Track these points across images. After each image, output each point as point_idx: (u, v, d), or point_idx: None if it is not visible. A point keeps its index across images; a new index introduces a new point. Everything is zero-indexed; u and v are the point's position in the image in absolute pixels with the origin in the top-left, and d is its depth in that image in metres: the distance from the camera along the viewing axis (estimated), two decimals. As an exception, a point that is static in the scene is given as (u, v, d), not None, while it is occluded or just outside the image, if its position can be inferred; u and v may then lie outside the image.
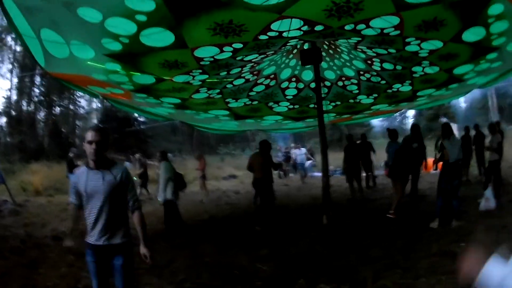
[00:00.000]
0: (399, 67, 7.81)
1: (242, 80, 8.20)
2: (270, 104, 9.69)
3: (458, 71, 7.62)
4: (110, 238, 3.34)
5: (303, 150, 20.23)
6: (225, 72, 7.38)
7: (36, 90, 35.71)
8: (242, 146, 37.96)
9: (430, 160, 13.50)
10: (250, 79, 8.30)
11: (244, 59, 6.90)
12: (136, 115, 37.36)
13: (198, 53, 6.10)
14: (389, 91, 9.07)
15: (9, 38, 34.45)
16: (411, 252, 5.77)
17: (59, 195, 15.06)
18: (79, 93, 37.99)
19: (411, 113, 42.29)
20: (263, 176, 8.60)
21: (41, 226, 9.45)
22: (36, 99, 35.76)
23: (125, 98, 7.98)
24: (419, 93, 9.23)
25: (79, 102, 40.95)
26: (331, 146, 32.33)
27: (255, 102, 9.43)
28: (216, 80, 7.70)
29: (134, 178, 15.87)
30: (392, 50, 7.02)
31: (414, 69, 7.78)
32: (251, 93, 8.90)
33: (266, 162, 8.70)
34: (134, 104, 8.59)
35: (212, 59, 6.42)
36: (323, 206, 7.71)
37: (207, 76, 7.26)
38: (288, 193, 13.90)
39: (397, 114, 16.49)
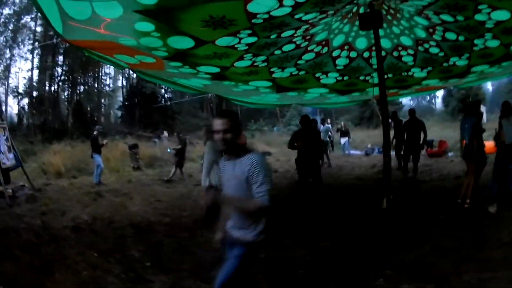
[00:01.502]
0: (461, 38, 7.02)
1: (293, 46, 7.24)
2: (318, 74, 8.80)
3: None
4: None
5: (327, 126, 18.25)
6: (276, 35, 6.45)
7: (59, 70, 34.86)
8: (272, 122, 36.81)
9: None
10: (301, 45, 7.35)
11: (303, 18, 5.93)
12: (163, 91, 36.71)
13: (252, 7, 5.04)
14: (445, 64, 8.23)
15: (28, 19, 33.60)
16: (482, 242, 5.26)
17: (83, 176, 13.84)
18: (104, 70, 37.51)
19: (440, 93, 40.35)
20: (310, 153, 8.16)
21: (61, 214, 8.04)
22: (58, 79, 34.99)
23: (156, 68, 7.19)
24: (473, 69, 8.43)
25: (104, 79, 40.30)
26: (362, 123, 31.57)
27: (302, 72, 8.53)
28: (265, 43, 6.69)
29: (170, 150, 15.42)
30: (460, 18, 6.26)
31: (476, 41, 7.04)
32: (299, 62, 7.98)
33: (313, 138, 8.28)
34: (165, 75, 7.81)
35: (267, 15, 5.41)
36: (383, 188, 6.86)
37: (256, 39, 6.33)
38: (329, 173, 12.65)
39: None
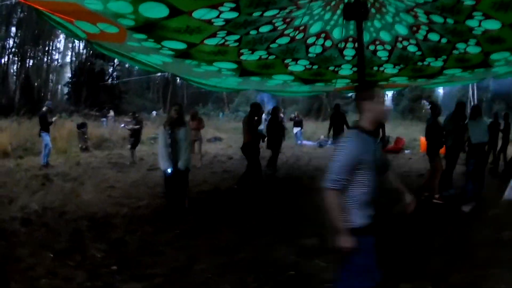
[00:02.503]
0: (444, 40, 6.99)
1: (270, 27, 6.73)
2: (288, 60, 8.32)
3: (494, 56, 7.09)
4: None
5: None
6: (260, 13, 5.98)
7: (11, 42, 31.93)
8: (218, 107, 35.94)
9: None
10: (279, 28, 6.85)
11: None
12: (111, 69, 34.76)
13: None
14: (419, 63, 8.24)
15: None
16: (468, 240, 5.14)
17: (29, 156, 12.42)
18: (54, 45, 35.05)
19: (389, 92, 41.32)
20: (251, 140, 8.01)
21: (8, 202, 6.81)
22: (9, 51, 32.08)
23: (116, 40, 6.32)
24: (445, 71, 8.51)
25: (53, 54, 37.50)
26: (309, 115, 31.56)
27: (272, 57, 8.01)
28: (244, 21, 6.17)
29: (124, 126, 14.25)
30: (450, 20, 6.22)
31: (458, 45, 7.08)
32: (272, 45, 7.45)
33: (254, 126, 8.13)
34: (124, 49, 6.90)
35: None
36: None
37: (236, 14, 5.78)
38: (287, 163, 12.21)
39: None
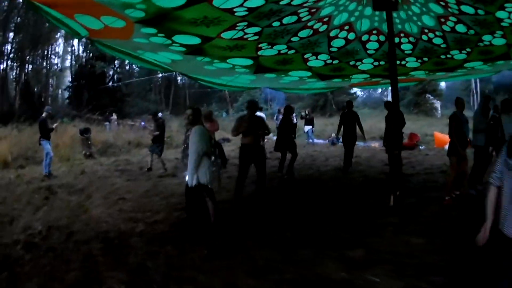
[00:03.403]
0: (471, 32, 6.62)
1: (294, 18, 6.18)
2: (308, 55, 7.78)
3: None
4: None
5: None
6: (288, 1, 5.41)
7: (8, 48, 31.03)
8: (221, 107, 35.17)
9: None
10: (303, 19, 6.31)
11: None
12: (111, 72, 34.14)
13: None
14: (443, 56, 7.86)
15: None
16: None
17: (31, 165, 11.40)
18: (53, 49, 34.54)
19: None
20: (255, 142, 7.04)
21: (9, 222, 5.88)
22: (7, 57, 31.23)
23: (121, 37, 5.72)
24: (466, 64, 8.22)
25: (52, 58, 36.78)
26: (314, 112, 30.83)
27: (291, 52, 7.46)
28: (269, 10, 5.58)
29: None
30: (481, 12, 5.88)
31: (485, 37, 6.76)
32: (293, 38, 6.91)
33: (257, 125, 7.15)
34: (129, 47, 6.30)
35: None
36: (390, 184, 6.37)
37: (263, 2, 5.21)
38: (304, 162, 11.41)
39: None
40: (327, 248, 4.41)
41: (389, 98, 44.84)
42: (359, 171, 9.51)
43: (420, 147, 14.14)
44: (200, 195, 4.94)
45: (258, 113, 15.10)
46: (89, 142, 13.95)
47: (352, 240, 4.69)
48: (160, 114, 12.85)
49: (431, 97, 31.20)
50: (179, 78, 40.60)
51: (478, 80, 30.31)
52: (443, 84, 33.52)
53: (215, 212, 5.10)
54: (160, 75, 33.52)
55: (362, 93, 36.28)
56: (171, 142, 14.94)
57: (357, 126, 9.79)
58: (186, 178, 5.01)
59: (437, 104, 31.95)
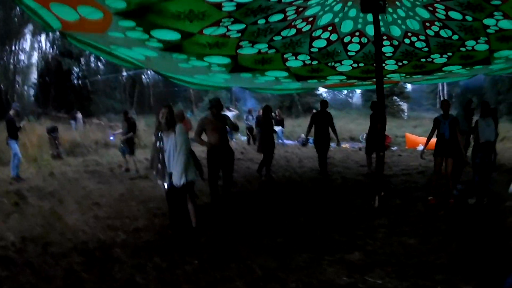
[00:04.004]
0: (456, 37, 6.70)
1: (280, 16, 6.01)
2: (287, 55, 7.61)
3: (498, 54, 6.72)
4: None
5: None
6: None
7: None
8: (186, 106, 34.35)
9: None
10: (289, 18, 6.16)
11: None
12: (76, 69, 32.87)
13: None
14: (423, 60, 7.86)
15: None
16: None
17: None
18: (20, 44, 32.90)
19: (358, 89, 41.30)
20: (222, 142, 6.51)
21: None
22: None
23: (96, 30, 5.39)
24: (444, 68, 8.14)
25: (20, 54, 34.81)
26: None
27: (272, 51, 7.27)
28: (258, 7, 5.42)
29: (113, 138, 12.38)
30: (469, 18, 5.99)
31: (468, 42, 6.83)
32: (276, 37, 6.73)
33: (223, 125, 6.67)
34: (103, 41, 5.93)
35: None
36: (375, 185, 6.27)
37: None
38: (278, 164, 11.14)
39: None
40: (323, 252, 4.21)
41: (355, 100, 45.46)
42: (336, 173, 9.40)
43: (392, 148, 14.29)
44: (184, 197, 4.82)
45: (228, 113, 14.90)
46: (56, 142, 13.09)
47: (346, 243, 4.54)
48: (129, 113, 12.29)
49: (398, 99, 31.88)
50: (143, 77, 39.66)
51: (445, 83, 31.07)
52: (409, 86, 34.46)
53: (196, 215, 4.94)
54: (125, 73, 32.50)
55: (327, 94, 36.57)
56: (139, 142, 14.37)
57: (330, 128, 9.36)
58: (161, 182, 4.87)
59: (404, 106, 32.72)
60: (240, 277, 3.64)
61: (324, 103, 9.59)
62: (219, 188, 6.34)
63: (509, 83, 24.70)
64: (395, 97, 31.40)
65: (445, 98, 27.14)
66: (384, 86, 6.77)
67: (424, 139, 15.09)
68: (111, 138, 12.98)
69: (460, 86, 31.42)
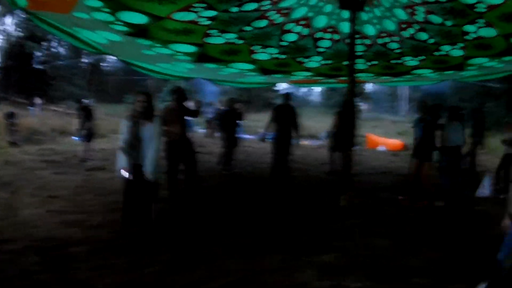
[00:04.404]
0: (431, 41, 6.64)
1: (255, 6, 5.78)
2: (255, 47, 7.35)
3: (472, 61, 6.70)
4: None
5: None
6: None
7: None
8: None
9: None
10: (263, 7, 5.92)
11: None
12: (39, 53, 31.17)
13: None
14: (393, 61, 7.79)
15: None
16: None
17: None
18: None
19: (319, 88, 41.47)
20: (184, 135, 6.35)
21: None
22: None
23: (61, 10, 5.01)
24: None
25: None
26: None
27: (241, 42, 7.02)
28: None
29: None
30: (448, 23, 5.97)
31: (442, 47, 6.78)
32: (246, 28, 6.48)
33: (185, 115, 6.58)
34: (67, 22, 5.50)
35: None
36: (342, 184, 6.07)
37: None
38: (238, 158, 10.81)
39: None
40: (298, 253, 4.05)
41: (313, 98, 45.43)
42: (298, 170, 9.27)
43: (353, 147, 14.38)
44: (148, 193, 4.62)
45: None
46: (14, 128, 12.53)
47: (321, 244, 4.41)
48: (86, 101, 11.86)
49: (358, 100, 32.45)
50: (103, 64, 38.37)
51: (406, 87, 31.76)
52: (369, 87, 35.26)
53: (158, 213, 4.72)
54: (85, 60, 31.33)
55: (286, 91, 36.58)
56: (97, 131, 13.84)
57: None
58: (122, 172, 4.58)
59: (364, 106, 33.38)
60: (213, 280, 3.38)
61: (287, 96, 9.18)
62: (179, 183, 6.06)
63: (473, 90, 25.63)
64: (355, 99, 32.02)
65: (407, 100, 28.05)
66: (345, 85, 6.72)
67: (385, 139, 15.61)
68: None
69: (422, 90, 32.44)
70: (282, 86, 30.31)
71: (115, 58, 7.90)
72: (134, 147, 4.49)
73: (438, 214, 5.98)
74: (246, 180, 8.16)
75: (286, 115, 8.74)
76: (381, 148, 14.45)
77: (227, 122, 9.19)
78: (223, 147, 9.18)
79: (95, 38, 6.25)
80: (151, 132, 4.51)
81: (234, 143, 8.98)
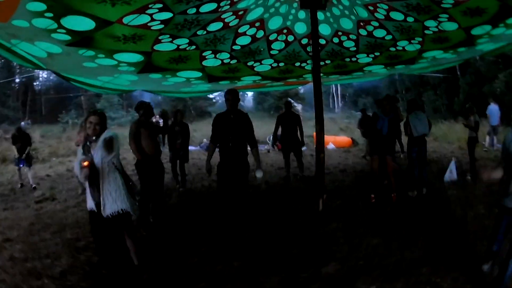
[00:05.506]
0: (389, 37, 6.65)
1: (213, 6, 5.39)
2: (206, 53, 6.97)
3: (476, 31, 6.22)
4: None
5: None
6: None
7: None
8: (78, 114, 30.92)
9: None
10: (220, 9, 5.57)
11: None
12: None
13: None
14: (393, 49, 7.55)
15: None
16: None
17: None
18: None
19: (250, 92, 41.42)
20: (156, 154, 6.01)
21: None
22: None
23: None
24: (424, 54, 7.69)
25: None
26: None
27: (192, 47, 6.60)
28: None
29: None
30: (410, 19, 5.95)
31: (399, 43, 6.83)
32: (200, 32, 6.07)
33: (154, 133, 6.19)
34: (4, 35, 4.88)
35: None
36: (318, 188, 5.76)
37: None
38: (190, 173, 10.36)
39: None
40: (294, 270, 3.75)
41: (246, 103, 45.43)
42: (254, 178, 8.97)
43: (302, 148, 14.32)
44: (117, 231, 3.78)
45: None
46: None
47: (313, 255, 4.16)
48: (23, 124, 10.97)
49: (293, 101, 32.85)
50: (35, 83, 35.73)
51: (338, 84, 32.62)
52: (301, 87, 35.77)
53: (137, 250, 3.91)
54: (17, 79, 28.73)
55: (219, 98, 36.24)
56: (36, 155, 12.59)
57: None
58: (89, 204, 3.79)
59: (298, 107, 33.78)
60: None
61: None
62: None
63: (409, 82, 26.73)
64: (289, 99, 32.50)
65: (339, 98, 28.82)
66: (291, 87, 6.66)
67: (331, 137, 15.58)
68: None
69: (353, 86, 33.61)
70: (216, 94, 30.13)
71: (46, 76, 7.10)
72: (93, 181, 3.69)
73: (415, 204, 6.08)
74: (206, 195, 7.67)
75: (290, 123, 9.22)
76: (330, 146, 14.51)
77: (176, 137, 8.69)
78: (173, 164, 8.65)
79: (34, 51, 5.59)
80: (108, 159, 3.71)
81: (186, 158, 8.56)
